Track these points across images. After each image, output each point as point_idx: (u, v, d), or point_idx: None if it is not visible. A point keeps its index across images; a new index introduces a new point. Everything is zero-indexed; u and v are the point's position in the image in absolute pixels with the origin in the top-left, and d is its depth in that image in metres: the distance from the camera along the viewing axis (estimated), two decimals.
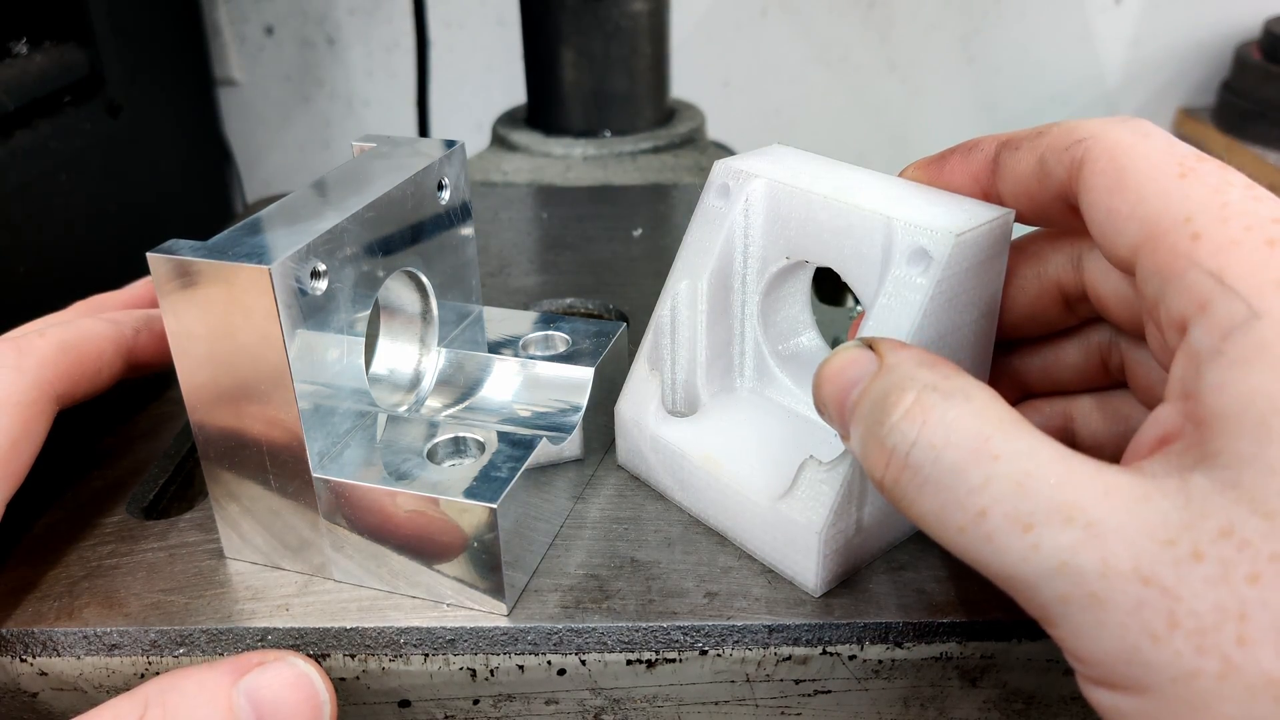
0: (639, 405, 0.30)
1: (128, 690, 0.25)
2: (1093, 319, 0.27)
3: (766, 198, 0.28)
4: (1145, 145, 0.21)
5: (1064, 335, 0.28)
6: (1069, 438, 0.28)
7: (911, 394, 0.21)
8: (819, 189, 0.27)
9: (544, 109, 0.65)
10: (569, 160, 0.62)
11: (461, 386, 0.32)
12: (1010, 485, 0.19)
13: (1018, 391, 0.29)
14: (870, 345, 0.23)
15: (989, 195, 0.26)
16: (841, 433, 0.23)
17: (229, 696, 0.23)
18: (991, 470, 0.19)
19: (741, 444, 0.29)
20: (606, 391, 0.32)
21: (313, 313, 0.24)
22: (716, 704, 0.26)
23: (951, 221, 0.24)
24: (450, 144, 0.31)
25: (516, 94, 0.68)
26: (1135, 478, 0.19)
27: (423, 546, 0.25)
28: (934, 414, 0.20)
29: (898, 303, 0.24)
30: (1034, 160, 0.24)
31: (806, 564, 0.26)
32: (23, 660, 0.25)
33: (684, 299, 0.30)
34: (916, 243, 0.24)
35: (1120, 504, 0.18)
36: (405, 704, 0.26)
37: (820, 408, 0.23)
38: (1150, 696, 0.18)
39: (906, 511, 0.21)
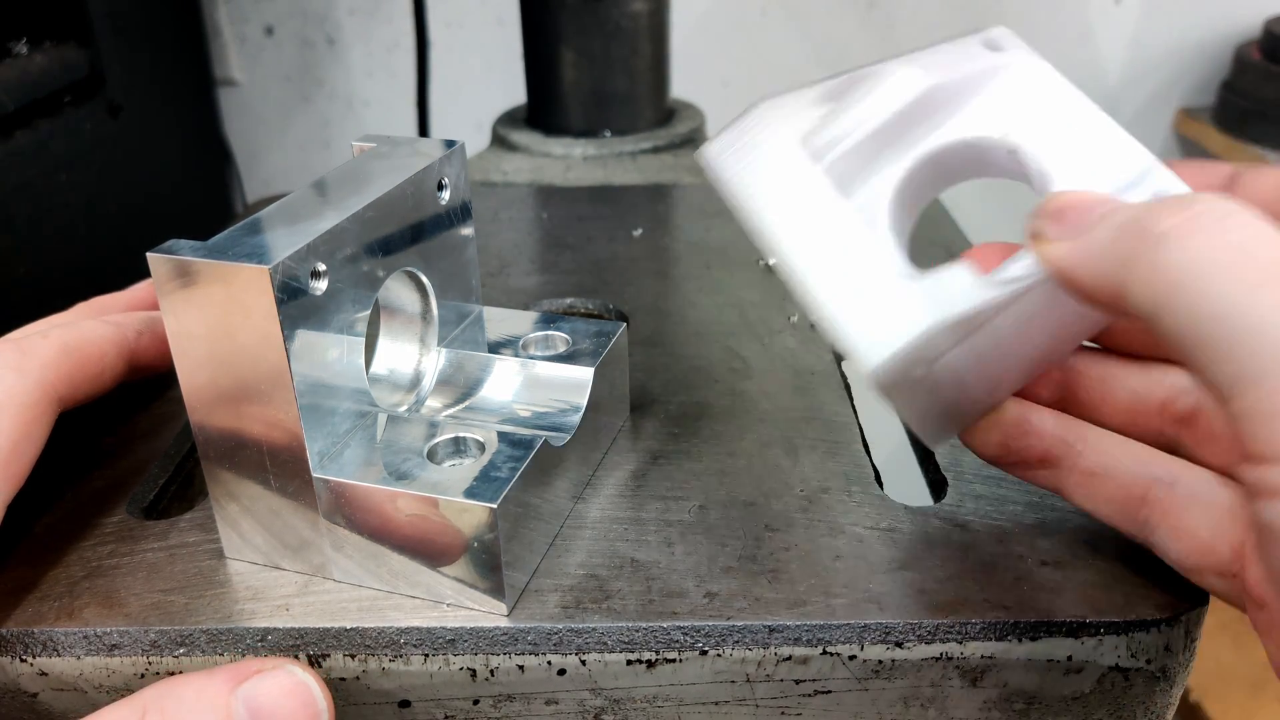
0: (792, 117, 0.28)
1: (127, 690, 0.26)
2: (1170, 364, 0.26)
3: (1030, 79, 0.27)
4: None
5: (1134, 362, 0.27)
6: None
7: (1164, 216, 0.20)
8: (1086, 103, 0.26)
9: (544, 109, 0.65)
10: (569, 160, 0.62)
11: (461, 386, 0.32)
12: (1253, 275, 0.18)
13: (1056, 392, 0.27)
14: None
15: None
16: (1057, 247, 0.22)
17: (227, 704, 0.23)
18: (1237, 268, 0.18)
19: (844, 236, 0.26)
20: (607, 391, 0.32)
21: (313, 313, 0.24)
22: (716, 704, 0.26)
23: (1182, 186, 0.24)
24: (450, 144, 0.31)
25: (516, 94, 0.68)
26: None
27: (423, 546, 0.25)
28: (1180, 216, 0.20)
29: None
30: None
31: (883, 325, 0.24)
32: (23, 660, 0.25)
33: (892, 76, 0.27)
34: (1154, 192, 0.23)
35: None
36: (405, 704, 0.26)
37: (1046, 214, 0.22)
38: None
39: (1189, 261, 0.19)
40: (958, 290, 0.24)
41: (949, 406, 0.26)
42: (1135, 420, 0.27)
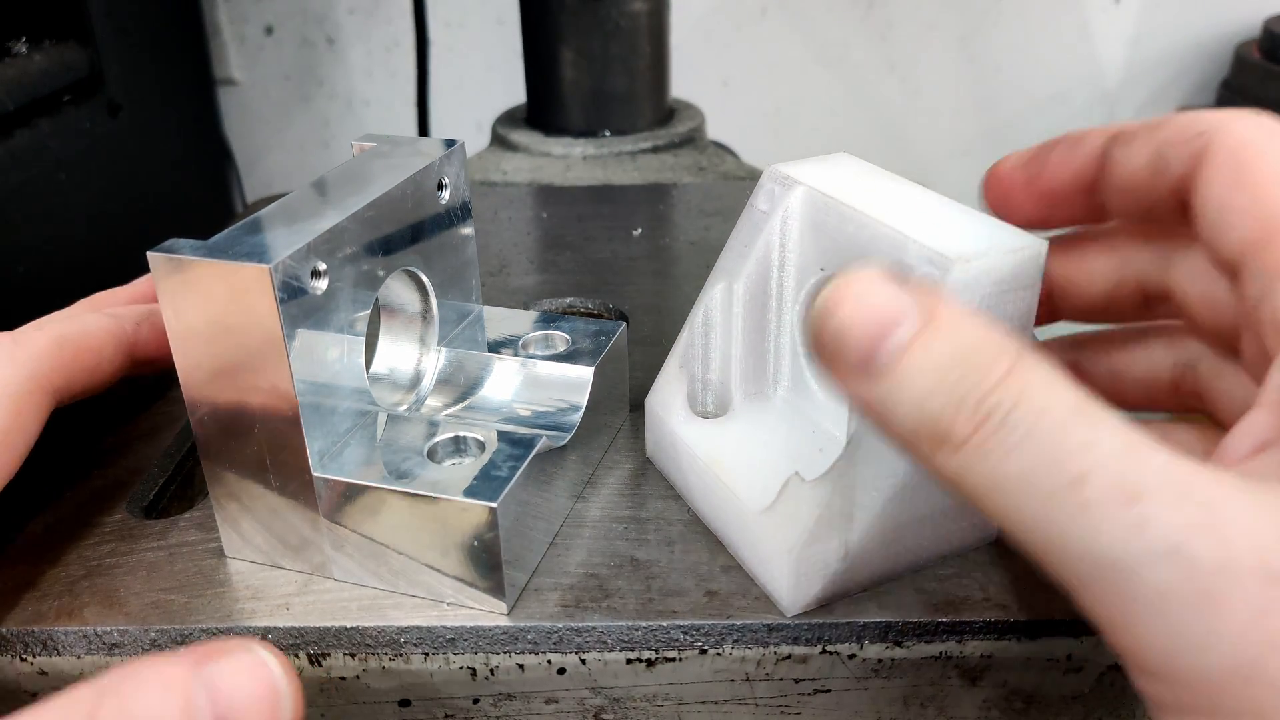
0: (665, 403, 0.31)
1: None
2: (1165, 336, 0.26)
3: (805, 206, 0.28)
4: (1271, 143, 0.21)
5: (1136, 345, 0.27)
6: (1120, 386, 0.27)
7: (1008, 358, 0.18)
8: (852, 201, 0.26)
9: (544, 109, 0.65)
10: (569, 160, 0.62)
11: (462, 386, 0.32)
12: (1117, 448, 0.17)
13: None
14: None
15: (1093, 191, 0.24)
16: (853, 385, 0.19)
17: (187, 686, 0.22)
18: (1096, 433, 0.17)
19: (754, 453, 0.29)
20: (606, 391, 0.32)
21: (313, 312, 0.24)
22: (716, 703, 0.26)
23: (964, 247, 0.23)
24: (450, 143, 0.31)
25: (516, 94, 0.68)
26: (1240, 475, 0.17)
27: (423, 546, 0.25)
28: (1036, 377, 0.18)
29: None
30: (1149, 153, 0.23)
31: (780, 582, 0.25)
32: (23, 660, 0.25)
33: (719, 302, 0.30)
34: (924, 266, 0.23)
35: (1235, 492, 0.16)
36: (405, 703, 0.26)
37: (824, 348, 0.19)
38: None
39: (981, 481, 0.18)
40: (796, 511, 0.25)
41: (918, 538, 0.26)
42: (1153, 402, 0.27)
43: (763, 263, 0.29)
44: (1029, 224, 0.25)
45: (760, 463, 0.28)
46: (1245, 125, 0.21)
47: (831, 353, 0.19)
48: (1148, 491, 0.16)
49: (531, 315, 0.34)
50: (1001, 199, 0.26)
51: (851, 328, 0.19)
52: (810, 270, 0.28)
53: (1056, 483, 0.17)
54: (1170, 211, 0.23)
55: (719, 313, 0.30)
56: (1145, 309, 0.26)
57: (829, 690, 0.26)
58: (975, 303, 0.23)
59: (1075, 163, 0.24)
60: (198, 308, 0.24)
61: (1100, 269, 0.26)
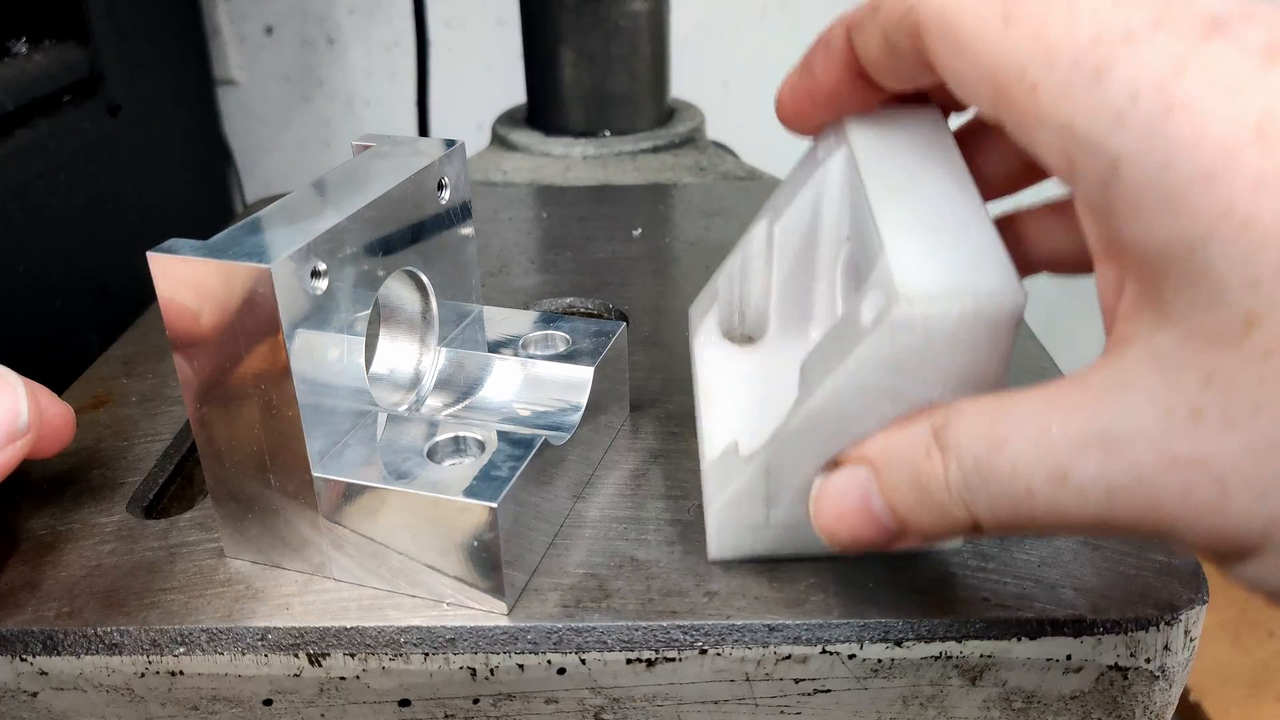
0: (698, 314, 0.32)
1: (128, 690, 0.26)
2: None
3: (843, 169, 0.26)
4: None
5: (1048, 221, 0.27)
6: (1025, 255, 0.27)
7: (932, 458, 0.20)
8: (873, 182, 0.24)
9: (544, 109, 0.65)
10: (569, 160, 0.62)
11: (461, 386, 0.32)
12: (1029, 454, 0.19)
13: None
14: (840, 462, 0.23)
15: (867, 88, 0.25)
16: (885, 545, 0.22)
17: None
18: (1009, 455, 0.19)
19: (754, 390, 0.29)
20: (606, 391, 0.32)
21: (313, 312, 0.24)
22: (716, 703, 0.26)
23: (924, 281, 0.21)
24: (450, 143, 0.31)
25: (516, 94, 0.68)
26: (1114, 366, 0.19)
27: (423, 546, 0.25)
28: (950, 453, 0.20)
29: (833, 347, 0.23)
30: (879, 39, 0.23)
31: (710, 530, 0.27)
32: (23, 660, 0.25)
33: (761, 236, 0.29)
34: (875, 289, 0.22)
35: (1113, 404, 0.18)
36: (405, 703, 0.26)
37: (848, 546, 0.23)
38: (1262, 554, 0.17)
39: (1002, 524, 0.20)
40: (728, 475, 0.26)
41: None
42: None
43: (805, 211, 0.28)
44: (826, 125, 0.27)
45: (751, 403, 0.29)
46: None
47: (859, 546, 0.23)
48: (1066, 466, 0.19)
49: (531, 315, 0.34)
50: (796, 119, 0.27)
51: (851, 533, 0.23)
52: (842, 232, 0.28)
53: (1024, 506, 0.19)
54: (942, 86, 0.22)
55: (760, 246, 0.30)
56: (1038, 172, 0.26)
57: (829, 690, 0.26)
58: (918, 344, 0.21)
59: (835, 64, 0.25)
60: (197, 308, 0.24)
61: (993, 157, 0.26)
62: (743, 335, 0.31)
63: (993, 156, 0.26)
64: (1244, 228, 0.16)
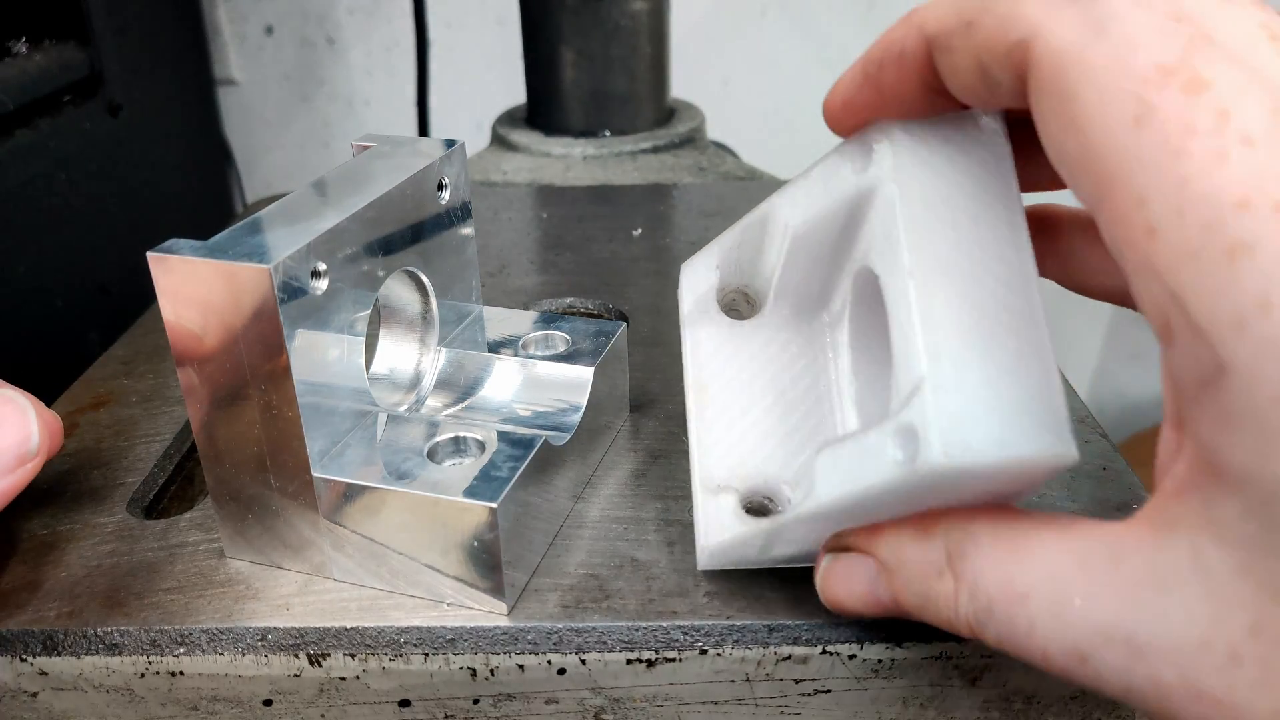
0: (692, 278, 0.28)
1: (128, 690, 0.26)
2: None
3: (881, 208, 0.22)
4: (1097, 54, 0.17)
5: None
6: (1062, 270, 0.25)
7: (944, 582, 0.20)
8: (920, 249, 0.21)
9: (544, 109, 0.65)
10: (569, 160, 0.62)
11: (462, 386, 0.32)
12: (1048, 621, 0.18)
13: None
14: (846, 548, 0.23)
15: (942, 102, 0.21)
16: (886, 616, 0.23)
17: None
18: (1028, 613, 0.18)
19: (751, 386, 0.27)
20: (606, 391, 0.32)
21: (313, 312, 0.24)
22: (716, 703, 0.26)
23: (960, 430, 0.18)
24: (450, 144, 0.31)
25: (516, 94, 0.68)
26: (1151, 551, 0.17)
27: (423, 546, 0.25)
28: (964, 584, 0.20)
29: (853, 463, 0.21)
30: (973, 65, 0.19)
31: (699, 554, 0.26)
32: (23, 660, 0.25)
33: (776, 222, 0.26)
34: (898, 433, 0.19)
35: (1147, 603, 0.17)
36: (405, 704, 0.26)
37: (850, 616, 0.23)
38: None
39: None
40: (731, 528, 0.25)
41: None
42: (1108, 298, 0.25)
43: (826, 222, 0.25)
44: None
45: (749, 406, 0.27)
46: (1066, 26, 0.17)
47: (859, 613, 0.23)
48: (1085, 649, 0.18)
49: (531, 315, 0.34)
50: (849, 126, 0.23)
51: (852, 610, 0.23)
52: (869, 255, 0.24)
53: (1039, 662, 0.19)
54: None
55: (775, 231, 0.26)
56: None
57: (829, 691, 0.26)
58: (946, 485, 0.19)
59: (908, 78, 0.21)
60: (197, 308, 0.24)
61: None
62: (744, 300, 0.28)
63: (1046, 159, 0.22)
64: None
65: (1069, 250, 0.25)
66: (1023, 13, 0.18)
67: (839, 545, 0.23)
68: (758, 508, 0.26)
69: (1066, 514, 0.20)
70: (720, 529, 0.26)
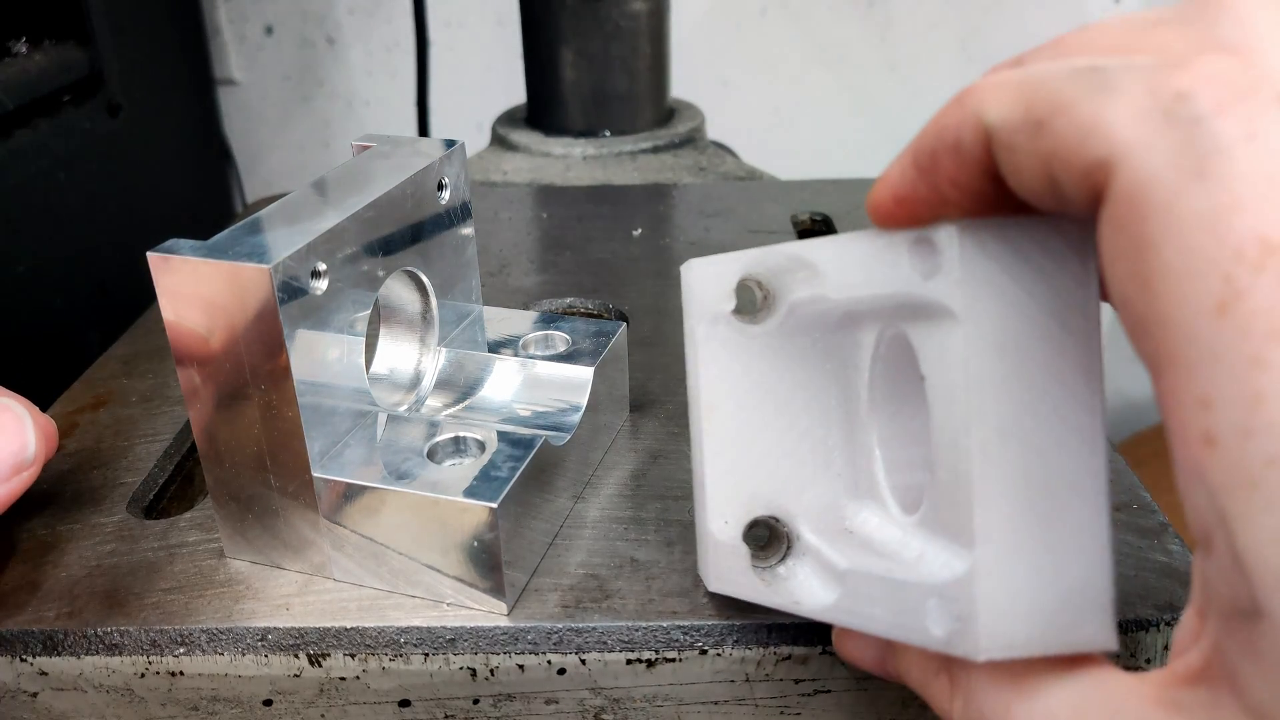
0: (703, 285, 0.25)
1: (128, 690, 0.26)
2: None
3: (944, 336, 0.19)
4: (1190, 207, 0.14)
5: None
6: None
7: (941, 681, 0.20)
8: (979, 419, 0.18)
9: (544, 109, 0.65)
10: (569, 160, 0.62)
11: (462, 386, 0.32)
12: None
13: None
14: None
15: (1012, 203, 0.18)
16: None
17: None
18: None
19: (763, 405, 0.24)
20: (606, 391, 0.32)
21: (313, 312, 0.24)
22: (716, 703, 0.26)
23: (1005, 628, 0.18)
24: (450, 144, 0.31)
25: (516, 94, 0.68)
26: None
27: (423, 546, 0.25)
28: (959, 690, 0.19)
29: (886, 614, 0.21)
30: (1039, 172, 0.16)
31: (704, 579, 0.25)
32: (23, 660, 0.25)
33: (804, 265, 0.23)
34: (956, 612, 0.19)
35: None
36: (405, 703, 0.26)
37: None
38: None
39: None
40: (743, 581, 0.24)
41: None
42: None
43: (865, 304, 0.22)
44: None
45: (754, 435, 0.24)
46: (1157, 153, 0.14)
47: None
48: None
49: (531, 315, 0.34)
50: (900, 221, 0.20)
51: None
52: (904, 337, 0.21)
53: None
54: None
55: (803, 273, 0.23)
56: None
57: (829, 691, 0.26)
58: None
59: (968, 172, 0.18)
60: (198, 308, 0.24)
61: None
62: (758, 287, 0.24)
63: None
64: None
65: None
66: (1107, 125, 0.14)
67: None
68: (765, 528, 0.25)
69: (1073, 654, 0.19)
70: (730, 580, 0.25)
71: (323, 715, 0.26)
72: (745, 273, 0.24)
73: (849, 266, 0.22)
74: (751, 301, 0.25)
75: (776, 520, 0.24)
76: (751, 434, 0.25)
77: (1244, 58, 0.14)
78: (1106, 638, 0.18)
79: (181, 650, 0.25)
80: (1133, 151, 0.14)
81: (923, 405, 0.20)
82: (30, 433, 0.26)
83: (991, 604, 0.18)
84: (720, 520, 0.24)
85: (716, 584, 0.25)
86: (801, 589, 0.24)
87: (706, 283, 0.25)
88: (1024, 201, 0.17)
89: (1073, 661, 0.18)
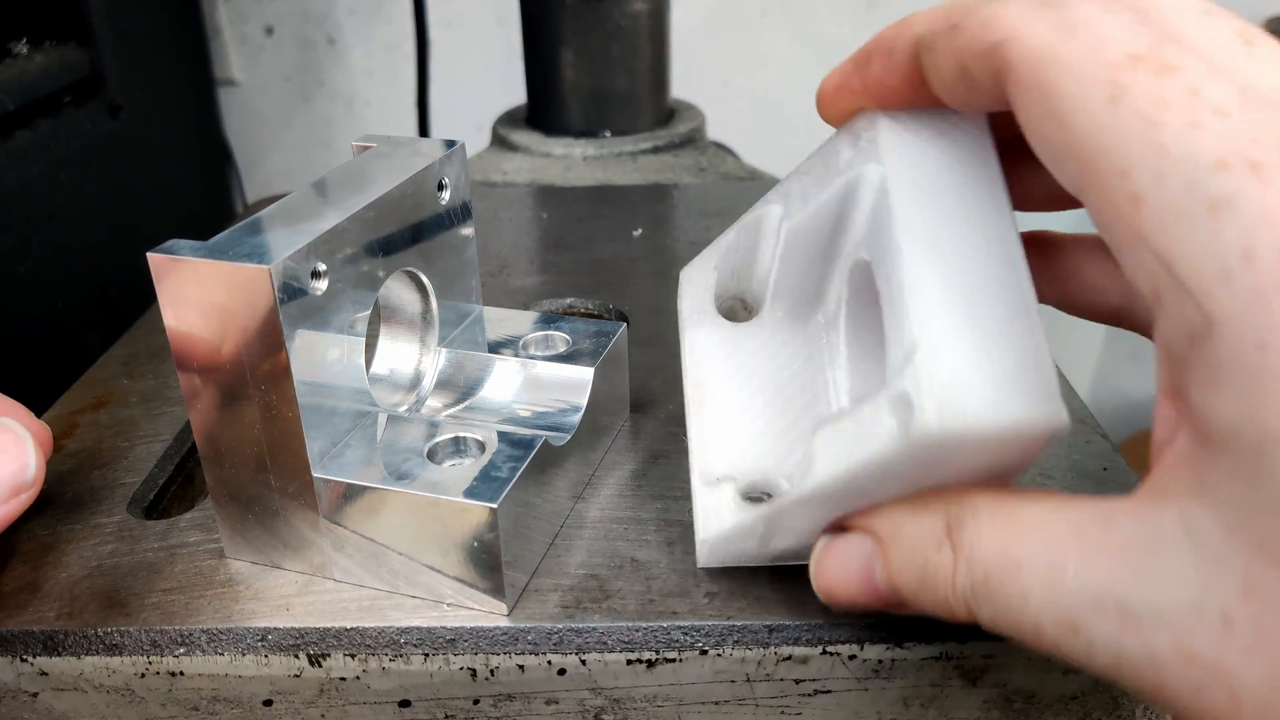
0: (690, 283, 0.29)
1: (128, 691, 0.26)
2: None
3: (874, 193, 0.23)
4: (1070, 50, 0.18)
5: (1096, 260, 0.25)
6: (1058, 292, 0.26)
7: (943, 554, 0.20)
8: (908, 235, 0.21)
9: (544, 109, 0.65)
10: (569, 160, 0.62)
11: (462, 386, 0.32)
12: (1041, 591, 0.18)
13: None
14: (845, 527, 0.23)
15: (924, 100, 0.22)
16: (880, 610, 0.23)
17: None
18: (1022, 583, 0.19)
19: (749, 386, 0.27)
20: (607, 391, 0.32)
21: (313, 313, 0.24)
22: (716, 704, 0.26)
23: (953, 394, 0.19)
24: (450, 144, 0.31)
25: (516, 94, 0.68)
26: (1144, 522, 0.17)
27: (423, 546, 0.25)
28: (962, 556, 0.20)
29: (849, 436, 0.21)
30: (954, 65, 0.20)
31: (699, 549, 0.26)
32: (23, 660, 0.25)
33: (772, 224, 0.27)
34: (906, 392, 0.19)
35: (1138, 570, 0.17)
36: (405, 704, 0.26)
37: (845, 608, 0.23)
38: None
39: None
40: (726, 517, 0.26)
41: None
42: (1097, 318, 0.26)
43: (824, 218, 0.26)
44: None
45: (747, 403, 0.27)
46: (1042, 27, 0.18)
47: (855, 608, 0.23)
48: (1078, 618, 0.18)
49: (531, 316, 0.34)
50: (836, 115, 0.25)
51: (848, 597, 0.23)
52: (860, 247, 0.25)
53: (1030, 636, 0.19)
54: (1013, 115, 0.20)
55: (771, 228, 0.27)
56: None
57: (829, 691, 0.26)
58: (941, 454, 0.20)
59: (894, 74, 0.22)
60: (198, 308, 0.24)
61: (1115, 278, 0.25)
62: (741, 307, 0.29)
63: (1037, 173, 0.23)
64: None
65: (1066, 271, 0.25)
66: (1001, 16, 0.19)
67: (836, 528, 0.23)
68: (756, 500, 0.26)
69: (1062, 492, 0.20)
70: (719, 519, 0.26)
71: (323, 715, 0.26)
72: (725, 288, 0.28)
73: (796, 192, 0.26)
74: (736, 312, 0.29)
75: (766, 495, 0.26)
76: (738, 408, 0.28)
77: None
78: (1057, 411, 0.19)
79: (181, 650, 0.25)
80: (1020, 29, 0.18)
81: (882, 335, 0.22)
82: (31, 454, 0.26)
83: (937, 376, 0.19)
84: (709, 484, 0.26)
85: (708, 555, 0.26)
86: (789, 538, 0.25)
87: (695, 285, 0.29)
88: (934, 98, 0.22)
89: (1063, 496, 0.19)
